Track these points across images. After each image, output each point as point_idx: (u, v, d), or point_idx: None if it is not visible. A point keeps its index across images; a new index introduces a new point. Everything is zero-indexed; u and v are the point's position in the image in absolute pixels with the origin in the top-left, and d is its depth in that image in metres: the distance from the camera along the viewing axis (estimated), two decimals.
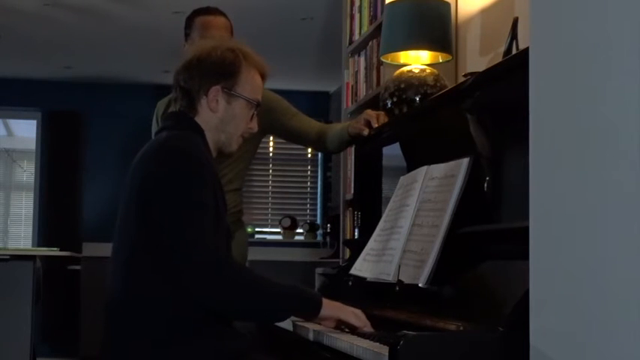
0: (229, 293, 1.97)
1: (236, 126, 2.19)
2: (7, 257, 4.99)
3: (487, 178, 2.04)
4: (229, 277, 1.96)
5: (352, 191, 3.58)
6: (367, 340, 1.85)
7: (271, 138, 7.45)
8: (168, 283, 1.97)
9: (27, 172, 8.38)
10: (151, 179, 2.03)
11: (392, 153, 2.73)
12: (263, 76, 2.23)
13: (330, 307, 2.05)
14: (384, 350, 1.64)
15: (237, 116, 2.18)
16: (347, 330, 2.05)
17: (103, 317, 2.08)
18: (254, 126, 2.24)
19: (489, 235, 1.95)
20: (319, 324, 2.12)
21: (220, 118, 2.16)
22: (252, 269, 2.06)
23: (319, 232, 7.85)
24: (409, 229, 2.14)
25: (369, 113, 2.85)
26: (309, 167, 8.21)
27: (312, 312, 2.06)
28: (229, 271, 1.97)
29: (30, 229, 7.95)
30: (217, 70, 2.14)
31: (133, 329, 2.00)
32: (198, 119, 2.16)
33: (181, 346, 1.97)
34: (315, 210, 8.16)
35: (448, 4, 2.89)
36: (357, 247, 2.65)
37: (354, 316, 2.06)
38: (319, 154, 8.01)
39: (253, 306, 2.01)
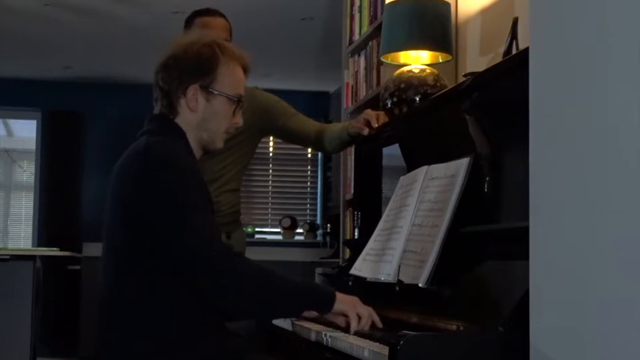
0: (248, 287, 1.94)
1: (218, 123, 2.13)
2: (7, 257, 5.00)
3: (487, 178, 2.04)
4: (245, 271, 1.95)
5: (352, 191, 3.58)
6: (367, 340, 1.85)
7: (271, 138, 7.45)
8: (168, 288, 1.96)
9: (27, 172, 8.37)
10: (135, 190, 1.98)
11: (392, 153, 2.73)
12: (245, 69, 2.17)
13: (344, 302, 2.01)
14: (384, 350, 1.64)
15: (218, 114, 2.12)
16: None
17: (97, 317, 2.07)
18: (238, 121, 2.18)
19: (489, 235, 1.95)
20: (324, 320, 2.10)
21: (201, 117, 2.10)
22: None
23: (319, 232, 7.85)
24: (409, 229, 2.14)
25: (369, 113, 2.85)
26: (309, 167, 8.21)
27: (325, 308, 2.01)
28: (245, 265, 1.96)
29: (30, 229, 7.95)
30: (194, 68, 2.09)
31: (131, 333, 1.98)
32: (179, 120, 2.11)
33: (181, 351, 1.96)
34: (315, 210, 8.16)
35: (448, 4, 2.89)
36: (357, 247, 2.65)
37: (368, 313, 2.03)
38: (319, 154, 8.01)
39: (270, 300, 1.97)
